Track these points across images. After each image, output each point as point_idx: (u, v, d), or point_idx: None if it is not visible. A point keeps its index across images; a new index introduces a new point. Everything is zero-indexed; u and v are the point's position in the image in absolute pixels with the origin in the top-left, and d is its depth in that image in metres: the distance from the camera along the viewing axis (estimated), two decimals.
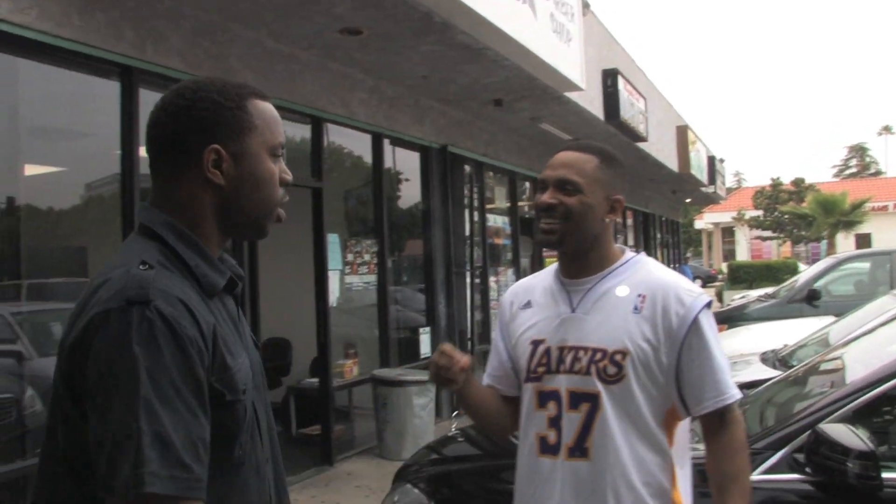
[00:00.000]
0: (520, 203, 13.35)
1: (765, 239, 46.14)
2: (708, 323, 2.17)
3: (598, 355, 2.17)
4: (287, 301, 9.00)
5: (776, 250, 47.73)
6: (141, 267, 1.49)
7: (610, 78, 11.84)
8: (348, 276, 8.61)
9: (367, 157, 9.12)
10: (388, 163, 9.31)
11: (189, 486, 1.38)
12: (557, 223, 2.22)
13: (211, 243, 1.65)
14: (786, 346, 7.64)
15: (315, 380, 8.42)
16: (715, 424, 2.18)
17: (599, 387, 2.15)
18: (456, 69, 8.32)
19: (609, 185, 2.26)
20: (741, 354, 8.22)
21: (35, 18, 5.06)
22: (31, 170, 5.58)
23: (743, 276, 31.96)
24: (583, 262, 2.28)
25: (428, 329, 9.93)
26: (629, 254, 2.34)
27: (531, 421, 2.29)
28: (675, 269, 26.77)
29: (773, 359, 7.09)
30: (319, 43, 7.21)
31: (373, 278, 9.03)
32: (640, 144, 14.18)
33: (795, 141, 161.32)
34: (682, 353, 2.14)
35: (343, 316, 8.88)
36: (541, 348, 2.28)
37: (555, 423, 2.22)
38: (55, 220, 6.17)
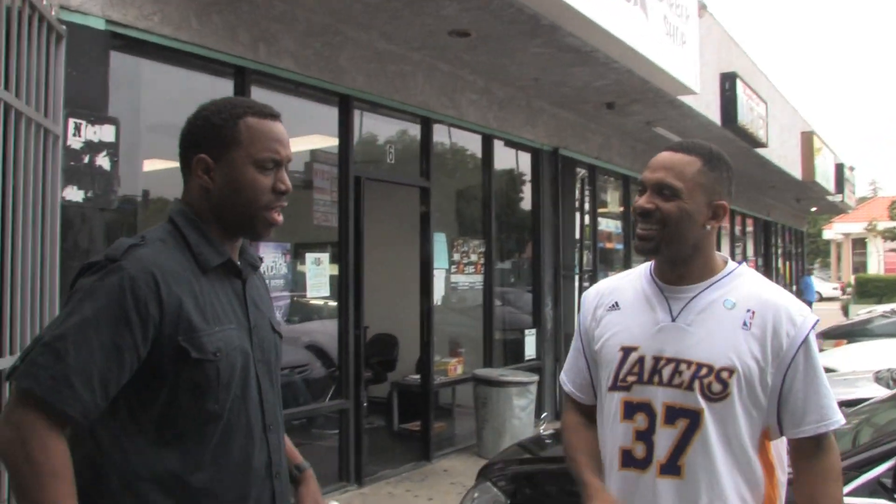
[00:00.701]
0: (633, 207, 13.14)
1: None
2: (815, 345, 2.10)
3: (704, 371, 2.06)
4: (396, 298, 9.17)
5: None
6: (137, 240, 1.85)
7: (728, 81, 11.57)
8: (454, 276, 8.69)
9: (477, 158, 9.18)
10: (497, 164, 9.34)
11: (63, 398, 1.67)
12: (654, 229, 2.10)
13: (214, 231, 1.96)
14: None
15: (418, 376, 8.52)
16: (810, 450, 2.08)
17: (703, 404, 2.05)
18: (566, 71, 8.30)
19: (712, 189, 2.11)
20: (855, 371, 7.94)
21: (157, 23, 5.34)
22: (150, 165, 5.86)
23: (872, 290, 30.70)
24: (684, 269, 2.16)
25: (534, 331, 9.92)
26: (731, 264, 2.22)
27: (614, 432, 2.18)
28: (797, 280, 25.93)
29: (889, 378, 6.82)
30: (430, 44, 7.31)
31: (479, 278, 9.08)
32: (760, 150, 13.79)
33: None
34: (787, 375, 2.06)
35: (449, 315, 8.98)
36: (633, 356, 2.15)
37: (644, 436, 2.11)
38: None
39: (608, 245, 12.25)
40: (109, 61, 5.08)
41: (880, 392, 5.73)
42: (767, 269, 21.96)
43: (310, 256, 6.74)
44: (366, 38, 6.99)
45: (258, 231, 1.99)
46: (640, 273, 2.28)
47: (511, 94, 9.24)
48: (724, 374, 2.03)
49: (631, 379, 2.14)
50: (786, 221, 24.75)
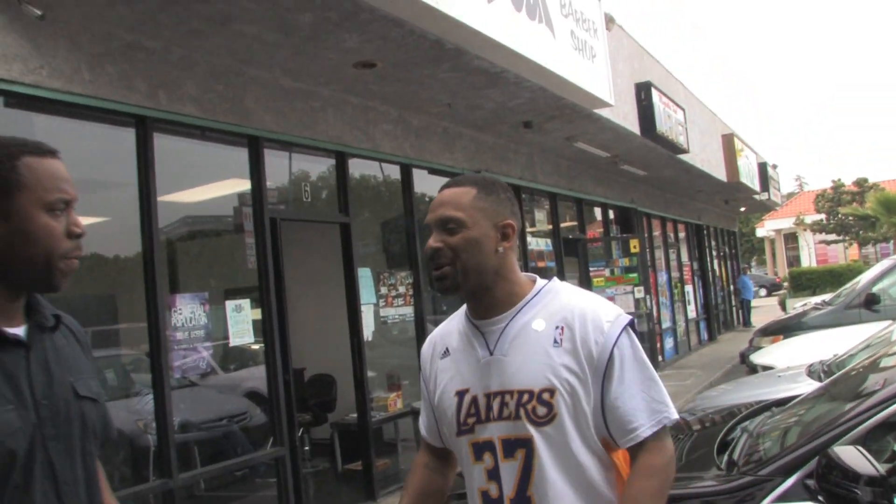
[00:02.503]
0: (562, 224, 13.19)
1: (829, 243, 45.04)
2: (629, 347, 2.07)
3: (526, 397, 2.03)
4: (328, 337, 9.01)
5: (843, 254, 46.62)
6: None
7: (643, 91, 11.67)
8: (384, 309, 8.57)
9: (397, 189, 9.08)
10: (419, 192, 9.26)
11: None
12: (447, 268, 2.09)
13: None
14: (835, 356, 7.38)
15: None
16: (635, 451, 2.06)
17: (531, 430, 2.02)
18: (478, 94, 8.27)
19: (494, 211, 2.13)
20: (790, 367, 7.98)
21: (46, 77, 5.14)
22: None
23: (805, 283, 31.32)
24: (490, 300, 2.14)
25: None
26: (540, 282, 2.21)
27: (471, 476, 2.16)
28: (735, 279, 26.30)
29: (820, 371, 6.84)
30: (336, 78, 7.21)
31: (409, 310, 8.97)
32: (683, 156, 13.93)
33: (859, 141, 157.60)
34: (604, 384, 2.03)
35: (384, 349, 8.86)
36: (467, 398, 2.13)
37: (493, 475, 2.09)
38: (83, 267, 6.24)
39: (540, 263, 12.22)
40: None
41: (813, 386, 5.73)
42: (703, 273, 22.21)
43: (230, 304, 6.56)
44: (270, 76, 6.87)
45: (55, 283, 1.76)
46: (460, 313, 2.28)
47: (426, 122, 9.18)
48: (546, 396, 2.02)
49: (471, 420, 2.12)
50: (717, 223, 25.10)
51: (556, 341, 2.05)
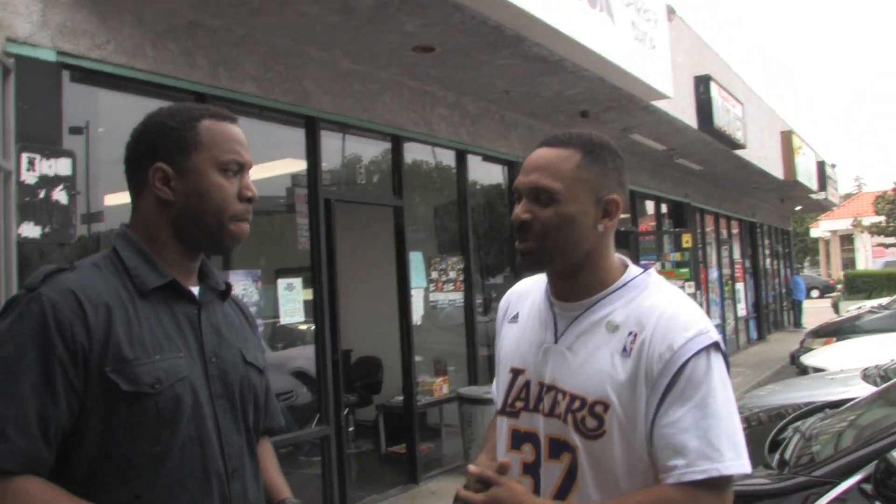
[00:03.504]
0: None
1: (888, 246, 44.11)
2: (703, 371, 1.69)
3: (577, 403, 1.76)
4: (378, 320, 9.06)
5: None
6: (61, 266, 1.68)
7: (702, 84, 11.51)
8: (434, 294, 8.58)
9: (451, 174, 9.08)
10: (473, 178, 9.25)
11: None
12: (532, 244, 1.80)
13: (168, 253, 1.78)
14: (892, 360, 7.25)
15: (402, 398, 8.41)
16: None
17: (577, 440, 1.75)
18: (536, 82, 8.22)
19: (597, 183, 1.80)
20: (844, 370, 7.86)
21: (111, 53, 5.22)
22: (112, 198, 5.74)
23: (861, 286, 30.67)
24: (573, 283, 1.85)
25: None
26: (632, 271, 1.88)
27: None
28: (788, 279, 25.91)
29: (876, 375, 6.73)
30: (395, 61, 7.22)
31: (459, 295, 8.97)
32: (740, 152, 13.73)
33: None
34: (659, 407, 1.70)
35: (432, 333, 8.87)
36: (520, 379, 1.90)
37: (531, 470, 1.84)
38: None
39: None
40: (62, 93, 4.96)
41: (868, 390, 5.64)
42: (755, 271, 21.91)
43: (281, 282, 6.62)
44: (329, 58, 6.90)
45: (225, 244, 1.80)
46: (543, 282, 1.98)
47: (483, 108, 9.16)
48: (599, 409, 1.73)
49: (519, 405, 1.89)
50: (771, 222, 24.71)
51: (625, 349, 1.74)
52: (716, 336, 1.74)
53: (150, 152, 1.77)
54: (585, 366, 1.78)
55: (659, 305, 1.78)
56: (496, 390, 2.08)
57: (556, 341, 1.85)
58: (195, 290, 1.84)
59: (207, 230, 1.77)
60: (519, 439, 1.88)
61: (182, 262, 1.81)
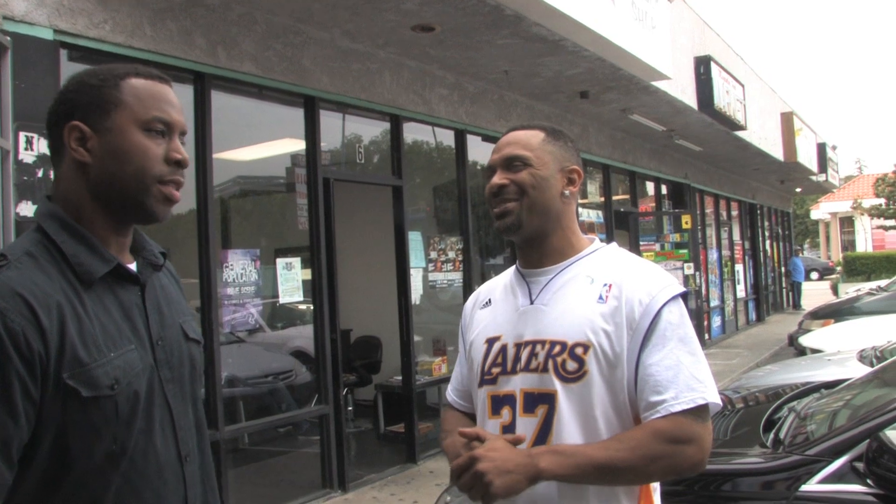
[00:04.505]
0: (614, 197, 13.09)
1: (888, 228, 44.06)
2: (677, 317, 1.89)
3: (557, 348, 1.90)
4: (377, 300, 9.09)
5: None
6: None
7: (703, 65, 11.49)
8: (433, 274, 8.59)
9: (450, 154, 9.07)
10: (472, 158, 9.23)
11: None
12: (512, 203, 1.99)
13: (97, 228, 1.64)
14: (889, 342, 7.28)
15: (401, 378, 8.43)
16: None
17: (557, 385, 1.88)
18: (536, 62, 8.20)
19: (560, 155, 2.05)
20: (841, 351, 7.89)
21: (109, 31, 5.21)
22: None
23: (860, 268, 30.70)
24: (544, 249, 2.04)
25: None
26: (597, 243, 2.11)
27: None
28: (787, 261, 25.92)
29: (872, 356, 6.76)
30: (394, 41, 7.20)
31: (458, 275, 8.98)
32: (740, 133, 13.72)
33: None
34: (642, 349, 1.86)
35: (431, 313, 8.89)
36: (496, 346, 2.02)
37: (509, 430, 1.93)
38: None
39: (591, 235, 12.15)
40: (60, 71, 4.95)
41: (864, 371, 5.66)
42: (754, 252, 21.91)
43: (280, 262, 6.63)
44: (328, 37, 6.88)
45: (152, 209, 1.64)
46: (511, 269, 2.17)
47: (482, 88, 9.14)
48: (579, 350, 1.88)
49: (496, 371, 2.00)
50: (771, 203, 24.69)
51: (601, 297, 1.92)
52: (681, 288, 1.96)
53: (66, 113, 1.62)
54: (565, 314, 1.94)
55: (630, 264, 2.02)
56: (455, 384, 2.27)
57: (531, 303, 2.02)
58: (132, 267, 1.71)
59: (128, 194, 1.62)
60: (498, 403, 1.99)
61: (114, 237, 1.67)
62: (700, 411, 1.83)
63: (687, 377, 1.83)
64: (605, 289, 1.93)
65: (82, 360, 1.50)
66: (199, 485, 1.73)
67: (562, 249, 2.05)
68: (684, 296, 1.95)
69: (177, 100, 1.71)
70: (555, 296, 1.99)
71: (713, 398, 1.85)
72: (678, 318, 1.90)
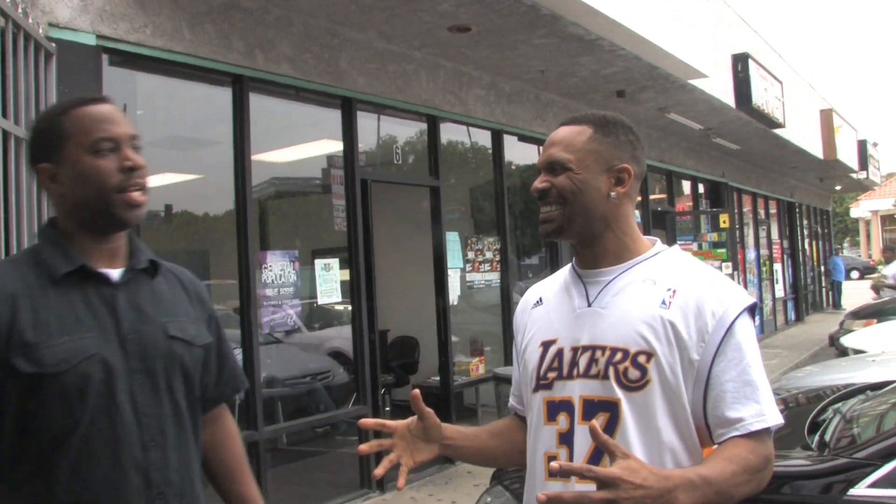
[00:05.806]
0: (651, 196, 13.01)
1: None
2: (750, 328, 1.81)
3: (619, 356, 1.80)
4: (415, 300, 9.09)
5: None
6: None
7: (740, 63, 11.36)
8: (470, 274, 8.60)
9: (487, 154, 9.07)
10: (509, 159, 9.22)
11: None
12: (554, 209, 1.90)
13: (79, 240, 1.91)
14: None
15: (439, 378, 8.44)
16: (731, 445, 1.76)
17: (619, 394, 1.79)
18: (572, 61, 8.17)
19: (609, 154, 1.90)
20: (883, 351, 7.77)
21: (149, 36, 5.27)
22: (156, 178, 5.80)
23: None
24: (596, 250, 1.93)
25: None
26: (660, 246, 1.97)
27: (538, 438, 1.92)
28: (827, 260, 25.58)
29: None
30: (430, 42, 7.21)
31: (496, 276, 8.98)
32: (778, 131, 13.55)
33: None
34: (714, 361, 1.77)
35: (468, 314, 8.89)
36: (552, 350, 1.92)
37: (566, 439, 1.84)
38: (178, 224, 6.43)
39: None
40: (103, 76, 5.02)
41: None
42: (793, 251, 21.67)
43: (319, 262, 6.67)
44: (364, 38, 6.90)
45: (120, 216, 1.88)
46: (567, 266, 2.06)
47: (519, 88, 9.12)
48: (641, 359, 1.78)
49: (552, 375, 1.90)
50: (810, 201, 24.41)
51: (664, 302, 1.81)
52: (753, 300, 1.86)
53: (34, 159, 1.92)
54: (624, 319, 1.84)
55: (696, 270, 1.90)
56: (514, 388, 2.16)
57: (588, 305, 1.91)
58: (116, 272, 1.93)
59: (97, 209, 1.87)
60: (554, 409, 1.89)
61: (95, 246, 1.92)
62: (769, 432, 1.78)
63: (763, 396, 1.77)
64: (668, 293, 1.83)
65: (28, 341, 1.75)
66: (174, 472, 1.90)
67: (617, 252, 1.93)
68: (752, 307, 1.85)
69: (118, 113, 1.92)
70: (614, 299, 1.88)
71: (780, 419, 1.79)
72: (751, 332, 1.82)
